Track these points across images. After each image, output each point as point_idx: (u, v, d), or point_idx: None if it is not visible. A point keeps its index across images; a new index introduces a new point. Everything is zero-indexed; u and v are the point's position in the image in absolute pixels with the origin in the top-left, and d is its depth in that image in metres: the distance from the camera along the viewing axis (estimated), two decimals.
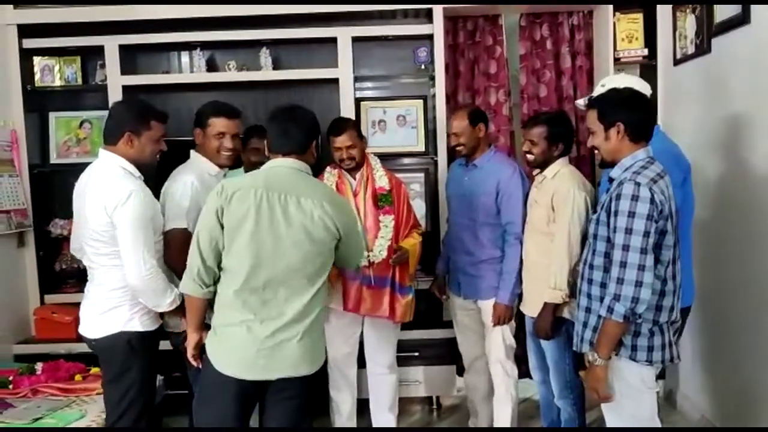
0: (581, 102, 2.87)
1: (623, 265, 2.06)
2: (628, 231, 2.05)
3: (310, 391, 2.29)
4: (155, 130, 2.51)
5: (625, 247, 2.05)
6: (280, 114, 2.30)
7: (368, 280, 3.04)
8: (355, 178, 3.12)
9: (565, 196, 2.75)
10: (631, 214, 2.05)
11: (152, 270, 2.38)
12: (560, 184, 2.80)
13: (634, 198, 2.05)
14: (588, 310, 2.25)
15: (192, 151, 2.78)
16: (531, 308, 2.92)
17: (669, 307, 2.16)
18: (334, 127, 3.08)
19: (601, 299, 2.15)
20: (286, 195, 2.14)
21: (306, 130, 2.27)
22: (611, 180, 2.24)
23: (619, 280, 2.06)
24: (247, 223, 2.11)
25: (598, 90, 2.69)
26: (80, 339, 3.59)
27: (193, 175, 2.64)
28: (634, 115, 2.20)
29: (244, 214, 2.11)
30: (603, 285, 2.17)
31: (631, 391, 2.18)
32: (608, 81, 2.76)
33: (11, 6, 3.68)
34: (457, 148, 3.13)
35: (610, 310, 2.07)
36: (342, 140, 3.04)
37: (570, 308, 2.77)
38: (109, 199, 2.35)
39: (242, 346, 2.15)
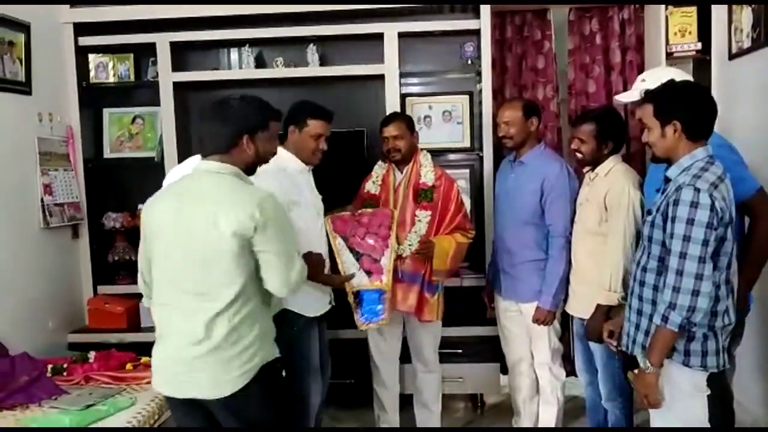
0: (623, 98, 2.78)
1: (680, 273, 1.98)
2: (686, 239, 1.97)
3: (252, 408, 2.08)
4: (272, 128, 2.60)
5: (683, 255, 1.98)
6: (203, 112, 2.19)
7: (397, 273, 3.03)
8: (402, 172, 3.13)
9: (620, 194, 2.66)
10: (690, 221, 1.97)
11: None
12: (614, 182, 2.71)
13: (694, 205, 1.97)
14: (639, 312, 2.19)
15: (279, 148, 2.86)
16: (581, 310, 2.84)
17: (723, 311, 2.09)
18: (385, 119, 3.14)
19: (653, 302, 2.10)
20: (189, 204, 2.03)
21: (230, 124, 2.08)
22: (667, 180, 2.15)
23: (675, 288, 1.99)
24: (158, 235, 2.08)
25: (638, 85, 2.61)
26: (131, 329, 3.74)
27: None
28: (693, 112, 2.10)
29: (155, 226, 2.09)
30: (655, 288, 2.12)
31: (682, 395, 2.12)
32: (648, 75, 2.67)
33: (68, 5, 3.79)
34: (504, 139, 3.07)
35: (665, 318, 2.01)
36: (389, 130, 3.07)
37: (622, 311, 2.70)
38: None
39: (157, 363, 2.13)
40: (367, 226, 2.92)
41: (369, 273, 2.87)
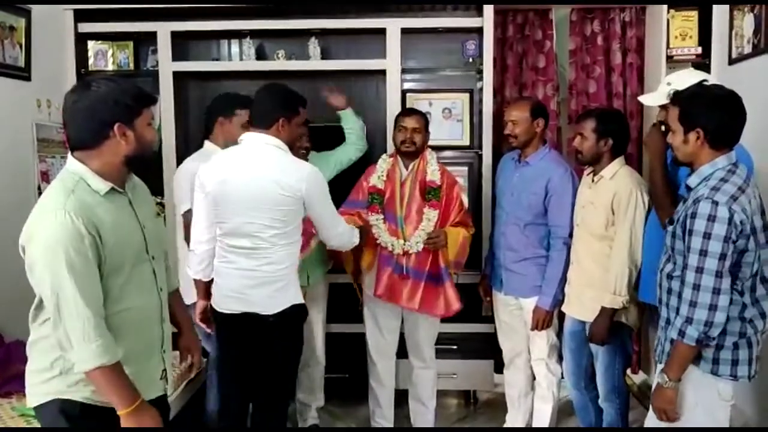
0: (647, 101, 2.76)
1: (696, 287, 1.95)
2: (703, 253, 1.94)
3: None
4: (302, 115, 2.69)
5: (699, 269, 1.95)
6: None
7: (400, 269, 3.04)
8: (408, 168, 3.14)
9: (628, 197, 2.66)
10: (707, 236, 1.93)
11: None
12: (621, 185, 2.71)
13: (711, 218, 1.92)
14: (668, 321, 2.13)
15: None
16: (585, 313, 2.83)
17: (751, 317, 2.03)
18: (404, 110, 3.20)
19: (677, 310, 2.06)
20: None
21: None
22: (688, 188, 2.11)
23: (692, 303, 1.96)
24: None
25: (663, 88, 2.57)
26: None
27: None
28: (718, 120, 2.04)
29: None
30: (679, 296, 2.06)
31: (704, 402, 2.06)
32: (674, 78, 2.61)
33: None
34: (510, 138, 3.08)
35: (682, 333, 1.98)
36: (409, 121, 3.08)
37: (627, 313, 2.72)
38: (297, 177, 2.48)
39: None
40: None
41: None
